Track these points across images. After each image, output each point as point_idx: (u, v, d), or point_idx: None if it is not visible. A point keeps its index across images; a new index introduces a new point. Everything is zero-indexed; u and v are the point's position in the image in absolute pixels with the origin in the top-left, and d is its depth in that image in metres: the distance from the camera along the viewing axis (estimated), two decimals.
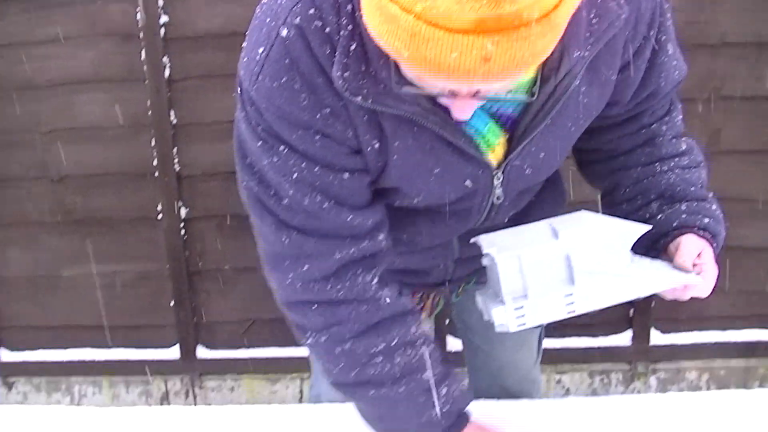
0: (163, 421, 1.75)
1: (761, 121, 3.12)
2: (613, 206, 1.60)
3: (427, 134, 1.26)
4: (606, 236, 1.33)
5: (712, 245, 1.47)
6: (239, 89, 1.29)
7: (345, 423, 1.62)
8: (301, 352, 3.13)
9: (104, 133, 3.09)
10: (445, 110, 1.22)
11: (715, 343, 3.33)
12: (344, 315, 1.34)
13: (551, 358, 3.00)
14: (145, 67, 3.00)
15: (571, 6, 1.02)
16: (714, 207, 1.52)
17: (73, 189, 3.16)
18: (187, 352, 3.32)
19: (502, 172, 1.35)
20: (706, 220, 1.48)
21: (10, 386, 3.42)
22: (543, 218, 1.56)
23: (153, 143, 3.08)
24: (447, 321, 3.18)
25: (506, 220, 1.54)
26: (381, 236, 1.38)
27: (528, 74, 1.22)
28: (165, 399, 3.40)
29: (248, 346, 3.32)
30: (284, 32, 1.20)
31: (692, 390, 3.37)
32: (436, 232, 1.53)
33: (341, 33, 1.19)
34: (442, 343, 3.28)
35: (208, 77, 3.03)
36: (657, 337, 3.33)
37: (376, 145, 1.27)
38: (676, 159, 1.53)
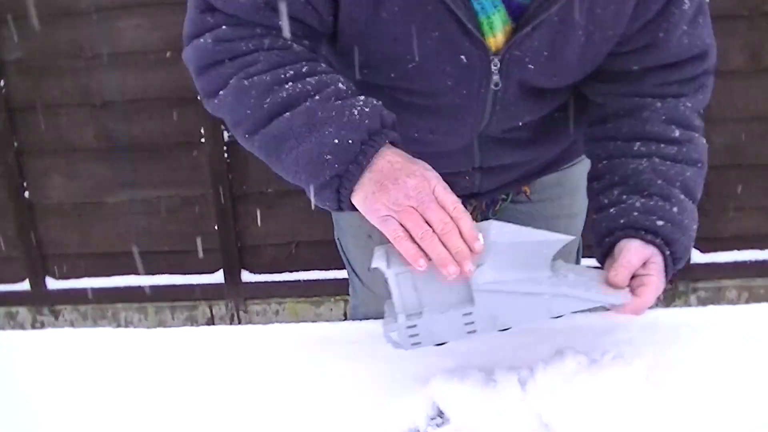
0: (209, 340, 1.77)
1: None
2: (590, 182, 1.52)
3: None
4: (515, 250, 1.23)
5: (663, 254, 1.35)
6: None
7: (373, 340, 1.59)
8: (345, 274, 3.21)
9: (146, 58, 3.13)
10: None
11: (755, 262, 3.38)
12: (254, 58, 1.30)
13: None
14: None
15: None
16: (676, 210, 1.37)
17: (115, 115, 3.20)
18: (232, 277, 3.37)
19: (500, 59, 1.35)
20: (660, 222, 1.35)
21: (56, 315, 3.47)
22: (551, 144, 1.53)
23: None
24: None
25: (520, 124, 1.53)
26: (305, 42, 1.36)
27: None
28: (210, 324, 3.46)
29: (292, 270, 3.37)
30: None
31: None
32: (444, 127, 1.51)
33: None
34: None
35: None
36: (697, 256, 3.38)
37: None
38: (661, 145, 1.42)
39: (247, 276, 3.39)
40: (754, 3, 3.09)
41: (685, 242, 1.38)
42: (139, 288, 3.41)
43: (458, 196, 1.70)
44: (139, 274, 3.42)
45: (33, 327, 3.52)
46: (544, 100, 1.51)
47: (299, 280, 3.37)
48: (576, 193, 1.80)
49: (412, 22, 1.31)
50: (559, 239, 1.26)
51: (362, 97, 1.28)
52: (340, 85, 1.29)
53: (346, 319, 3.36)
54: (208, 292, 3.40)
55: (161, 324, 3.45)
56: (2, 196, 3.37)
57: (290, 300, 3.31)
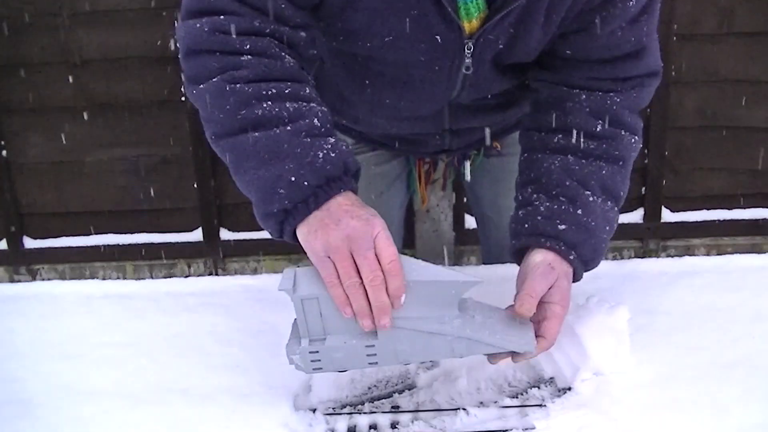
0: (188, 289, 1.81)
1: None
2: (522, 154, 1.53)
3: None
4: (423, 289, 1.22)
5: (568, 258, 1.35)
6: None
7: None
8: None
9: (126, 16, 3.13)
10: None
11: (723, 221, 3.48)
12: (243, 62, 1.27)
13: None
14: None
15: None
16: (581, 212, 1.37)
17: (95, 74, 3.20)
18: (210, 235, 3.40)
19: (474, 43, 1.38)
20: (562, 227, 1.35)
21: (34, 274, 3.48)
22: (517, 109, 1.59)
23: (176, 25, 3.09)
24: (465, 199, 3.28)
25: (489, 96, 1.58)
26: (303, 34, 1.37)
27: None
28: None
29: None
30: None
31: None
32: (414, 96, 1.53)
33: None
34: (460, 220, 3.39)
35: None
36: (667, 215, 3.47)
37: None
38: (582, 140, 1.41)
39: (225, 234, 3.42)
40: None
41: (591, 243, 1.37)
42: (118, 246, 3.42)
43: (430, 153, 1.79)
44: (117, 232, 3.43)
45: None
46: (511, 73, 1.55)
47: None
48: None
49: (390, 1, 1.33)
50: (468, 281, 1.24)
51: (332, 140, 1.27)
52: (316, 120, 1.26)
53: None
54: (186, 250, 3.43)
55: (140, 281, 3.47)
56: None
57: (268, 257, 3.35)
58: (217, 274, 3.44)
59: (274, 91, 1.27)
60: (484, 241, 2.21)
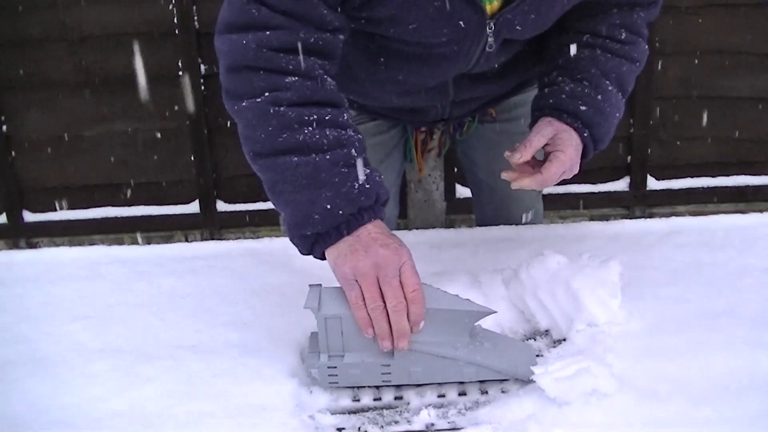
0: (192, 253, 1.86)
1: None
2: (538, 63, 1.66)
3: None
4: (439, 315, 1.30)
5: (582, 135, 1.50)
6: None
7: None
8: None
9: None
10: None
11: (707, 188, 3.55)
12: (288, 84, 1.32)
13: (553, 203, 3.18)
14: None
15: None
16: (600, 98, 1.51)
17: (93, 49, 3.24)
18: (207, 207, 3.45)
19: (495, 23, 1.43)
20: (583, 108, 1.50)
21: (33, 247, 3.51)
22: (516, 76, 1.65)
23: (173, 1, 3.16)
24: (455, 169, 3.33)
25: (495, 66, 1.63)
26: (341, 37, 1.39)
27: None
28: None
29: (266, 199, 3.44)
30: None
31: None
32: (429, 72, 1.57)
33: None
34: (451, 191, 3.44)
35: None
36: (653, 183, 3.54)
37: None
38: (607, 40, 1.55)
39: (222, 206, 3.47)
40: None
41: (605, 126, 1.53)
42: (115, 219, 3.47)
43: (429, 122, 1.85)
44: (115, 206, 3.47)
45: None
46: (518, 44, 1.63)
47: (272, 209, 3.44)
48: None
49: None
50: (482, 312, 1.33)
51: (368, 171, 1.32)
52: (353, 150, 1.32)
53: None
54: (184, 222, 3.48)
55: None
56: None
57: (264, 228, 3.40)
58: None
59: (315, 117, 1.33)
60: (479, 206, 2.27)
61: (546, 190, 2.15)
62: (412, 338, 1.29)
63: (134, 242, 3.52)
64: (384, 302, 1.28)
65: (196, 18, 3.15)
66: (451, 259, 1.75)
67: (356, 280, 1.29)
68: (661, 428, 1.24)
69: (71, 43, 3.20)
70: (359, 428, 1.30)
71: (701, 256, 1.73)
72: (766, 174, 3.54)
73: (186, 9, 3.12)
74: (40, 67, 3.24)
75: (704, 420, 1.25)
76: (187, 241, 3.53)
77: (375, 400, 1.37)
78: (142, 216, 3.46)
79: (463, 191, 3.42)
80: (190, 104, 3.27)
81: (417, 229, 1.95)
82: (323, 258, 1.36)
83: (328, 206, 1.30)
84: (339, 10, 1.39)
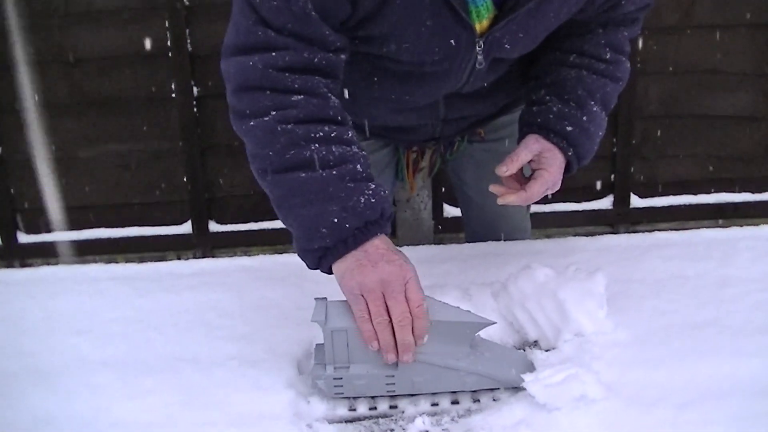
0: (189, 270, 1.90)
1: None
2: (528, 81, 1.70)
3: None
4: (441, 327, 1.34)
5: (567, 153, 1.57)
6: None
7: None
8: None
9: (119, 16, 3.21)
10: None
11: (688, 206, 3.61)
12: (294, 102, 1.36)
13: (539, 221, 3.22)
14: None
15: None
16: (586, 118, 1.57)
17: (88, 71, 3.27)
18: (200, 227, 3.48)
19: (484, 41, 1.46)
20: (569, 128, 1.56)
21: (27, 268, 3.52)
22: (505, 96, 1.70)
23: (167, 24, 3.20)
24: (443, 189, 3.38)
25: (485, 85, 1.65)
26: (343, 56, 1.43)
27: None
28: None
29: (257, 220, 3.49)
30: None
31: None
32: (421, 91, 1.61)
33: None
34: (438, 209, 3.48)
35: None
36: (636, 201, 3.60)
37: None
38: (593, 60, 1.61)
39: (214, 226, 3.49)
40: None
41: (588, 144, 1.60)
42: (109, 240, 3.49)
43: (420, 141, 1.89)
44: (109, 226, 3.49)
45: None
46: (507, 63, 1.67)
47: (264, 229, 3.49)
48: None
49: (412, 11, 1.42)
50: (482, 323, 1.37)
51: (372, 186, 1.36)
52: (359, 166, 1.37)
53: None
54: (176, 242, 3.49)
55: None
56: None
57: (255, 248, 3.43)
58: None
59: (321, 134, 1.38)
60: (468, 223, 2.31)
61: (532, 209, 2.20)
62: (416, 349, 1.33)
63: (128, 262, 3.52)
64: (389, 316, 1.32)
65: (189, 41, 3.19)
66: (441, 274, 1.79)
67: (362, 295, 1.33)
68: None
69: (66, 64, 3.23)
70: None
71: (684, 268, 1.78)
72: (745, 191, 3.59)
73: (179, 32, 3.17)
74: (36, 88, 3.27)
75: (689, 424, 1.30)
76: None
77: (371, 409, 1.40)
78: (136, 236, 3.48)
79: (451, 210, 3.47)
80: (183, 125, 3.30)
81: (406, 246, 1.99)
82: (330, 272, 1.40)
83: (335, 220, 1.34)
84: (344, 33, 1.44)
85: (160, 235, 3.49)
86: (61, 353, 1.57)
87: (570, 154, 1.57)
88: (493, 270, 1.77)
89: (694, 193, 3.59)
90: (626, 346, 1.50)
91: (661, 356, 1.47)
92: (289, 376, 1.47)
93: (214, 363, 1.52)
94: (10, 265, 3.41)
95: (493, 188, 1.61)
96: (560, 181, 1.61)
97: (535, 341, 1.56)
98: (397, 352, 1.33)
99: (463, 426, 1.35)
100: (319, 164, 1.36)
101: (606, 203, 3.59)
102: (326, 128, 1.39)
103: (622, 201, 3.57)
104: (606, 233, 3.60)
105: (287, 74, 1.38)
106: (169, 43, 3.20)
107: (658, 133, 3.52)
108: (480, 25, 1.48)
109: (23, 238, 3.48)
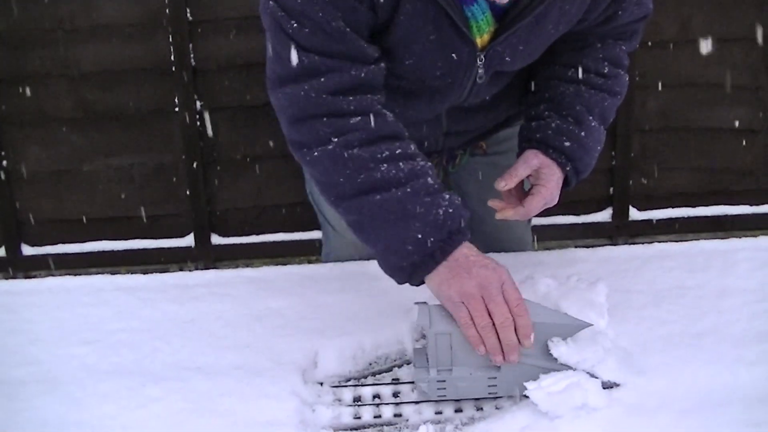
0: (193, 281, 1.91)
1: (727, 11, 3.39)
2: (526, 95, 1.73)
3: (434, 5, 1.39)
4: (541, 330, 1.37)
5: (565, 168, 1.59)
6: None
7: (355, 278, 1.81)
8: (308, 235, 3.37)
9: (124, 31, 3.23)
10: None
11: (687, 218, 3.63)
12: (353, 124, 1.38)
13: (538, 233, 3.23)
14: None
15: None
16: (584, 134, 1.59)
17: (93, 86, 3.29)
18: (202, 240, 3.49)
19: (485, 55, 1.49)
20: (567, 143, 1.58)
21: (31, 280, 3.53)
22: (506, 109, 1.73)
23: (170, 40, 3.23)
24: None
25: (487, 98, 1.68)
26: (383, 65, 1.45)
27: None
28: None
29: (259, 232, 3.52)
30: None
31: None
32: (424, 105, 1.63)
33: None
34: None
35: None
36: (635, 214, 3.62)
37: (388, 1, 1.41)
38: (591, 75, 1.62)
39: (216, 239, 3.51)
40: None
41: (586, 159, 1.61)
42: (112, 252, 3.51)
43: (423, 155, 1.88)
44: (112, 239, 3.51)
45: None
46: (508, 76, 1.70)
47: (266, 242, 3.51)
48: None
49: (416, 26, 1.45)
50: (581, 324, 1.42)
51: (447, 196, 1.39)
52: (429, 179, 1.40)
53: None
54: (179, 255, 3.50)
55: None
56: None
57: (257, 261, 3.44)
58: None
59: (387, 153, 1.41)
60: (472, 236, 2.32)
61: (532, 221, 2.22)
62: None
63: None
64: (491, 319, 1.35)
65: (192, 55, 3.22)
66: None
67: (462, 302, 1.36)
68: None
69: (71, 79, 3.25)
70: None
71: (684, 278, 1.80)
72: (743, 203, 3.61)
73: (182, 47, 3.19)
74: (41, 102, 3.28)
75: (690, 431, 1.32)
76: None
77: (375, 417, 1.42)
78: (138, 249, 3.50)
79: None
80: (186, 139, 3.32)
81: None
82: (421, 284, 1.43)
83: (419, 236, 1.38)
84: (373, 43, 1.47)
85: (163, 248, 3.51)
86: (68, 362, 1.59)
87: (568, 169, 1.60)
88: None
89: (693, 206, 3.61)
90: (627, 355, 1.52)
91: (662, 364, 1.49)
92: (293, 384, 1.49)
93: (219, 372, 1.54)
94: (14, 278, 3.43)
95: (492, 203, 1.64)
96: (558, 196, 1.63)
97: None
98: (504, 353, 1.36)
99: None
100: (392, 183, 1.39)
101: (605, 216, 3.61)
102: (390, 146, 1.42)
103: (621, 213, 3.59)
104: (605, 245, 3.61)
105: (341, 97, 1.41)
106: (172, 57, 3.22)
107: (657, 146, 3.55)
108: (481, 39, 1.50)
109: (27, 250, 3.50)
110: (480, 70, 1.54)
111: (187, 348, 1.62)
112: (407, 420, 1.41)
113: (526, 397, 1.37)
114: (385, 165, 1.38)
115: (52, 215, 3.48)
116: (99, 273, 3.28)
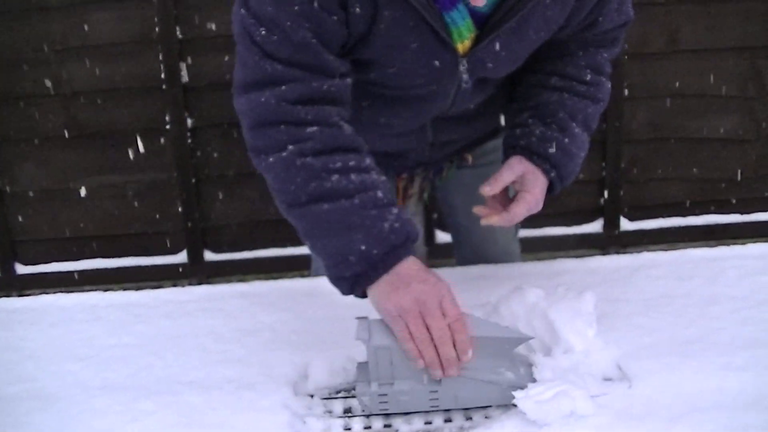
0: (185, 296, 1.93)
1: (715, 21, 3.43)
2: (510, 102, 1.74)
3: (413, 13, 1.39)
4: (482, 343, 1.37)
5: (549, 175, 1.60)
6: None
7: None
8: (301, 251, 3.38)
9: (115, 49, 3.27)
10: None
11: (678, 228, 3.65)
12: (309, 134, 1.39)
13: (529, 245, 3.25)
14: None
15: None
16: (568, 140, 1.60)
17: (84, 104, 3.32)
18: (195, 256, 3.51)
19: (467, 61, 1.50)
20: (552, 150, 1.59)
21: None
22: (491, 119, 1.74)
23: (161, 57, 3.26)
24: (435, 215, 3.42)
25: (471, 107, 1.68)
26: (348, 81, 1.46)
27: None
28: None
29: (251, 248, 3.53)
30: None
31: None
32: (409, 114, 1.65)
33: None
34: (430, 236, 3.52)
35: None
36: (626, 224, 3.64)
37: (359, 11, 1.41)
38: (574, 82, 1.63)
39: (209, 255, 3.53)
40: None
41: (570, 165, 1.63)
42: (106, 270, 3.52)
43: (409, 166, 1.92)
44: (106, 257, 3.52)
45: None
46: (492, 83, 1.71)
47: (259, 258, 3.52)
48: None
49: (397, 35, 1.46)
50: (521, 338, 1.41)
51: (395, 210, 1.40)
52: (379, 193, 1.40)
53: None
54: (172, 272, 3.52)
55: None
56: None
57: (251, 276, 3.45)
58: None
59: (339, 164, 1.42)
60: (458, 248, 2.34)
61: (522, 233, 2.24)
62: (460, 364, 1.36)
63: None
64: (430, 333, 1.35)
65: (182, 73, 3.25)
66: None
67: (400, 316, 1.36)
68: None
69: (63, 97, 3.27)
70: None
71: (672, 287, 1.81)
72: (734, 212, 3.63)
73: (173, 64, 3.22)
74: (33, 121, 3.31)
75: None
76: None
77: (365, 428, 1.43)
78: (132, 266, 3.51)
79: (442, 237, 3.50)
80: (178, 156, 3.35)
81: None
82: (365, 296, 1.44)
83: (363, 248, 1.38)
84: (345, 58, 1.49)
85: (156, 265, 3.52)
86: (62, 378, 1.60)
87: (552, 175, 1.61)
88: (485, 292, 1.79)
89: (684, 215, 3.63)
90: (615, 363, 1.53)
91: (650, 372, 1.49)
92: (285, 397, 1.50)
93: (212, 386, 1.54)
94: (8, 296, 3.42)
95: (477, 209, 1.66)
96: (542, 202, 1.64)
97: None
98: (443, 367, 1.37)
99: None
100: (340, 194, 1.39)
101: (596, 226, 3.63)
102: (344, 158, 1.43)
103: (611, 224, 3.61)
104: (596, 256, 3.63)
105: (299, 106, 1.42)
106: (163, 75, 3.25)
107: (647, 157, 3.57)
108: (462, 45, 1.52)
109: (21, 269, 3.50)
110: (464, 76, 1.56)
111: (179, 362, 1.63)
112: (397, 430, 1.42)
113: (515, 406, 1.37)
114: (336, 176, 1.39)
115: (46, 234, 3.50)
116: (93, 291, 3.34)
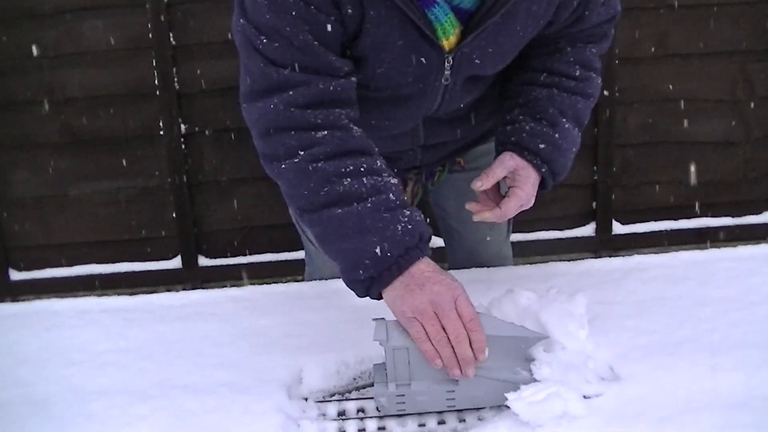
0: (179, 301, 1.94)
1: (705, 25, 3.45)
2: (501, 99, 1.75)
3: (397, 11, 1.41)
4: (498, 342, 1.38)
5: (541, 170, 1.61)
6: None
7: (338, 295, 1.82)
8: (295, 255, 3.39)
9: (108, 56, 3.27)
10: None
11: (671, 231, 3.66)
12: (319, 138, 1.41)
13: (522, 249, 3.26)
14: None
15: None
16: (558, 136, 1.61)
17: (78, 111, 3.33)
18: (189, 262, 3.51)
19: (453, 57, 1.50)
20: (542, 145, 1.60)
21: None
22: (483, 120, 1.75)
23: (154, 64, 3.27)
24: (427, 220, 3.42)
25: (462, 106, 1.70)
26: (353, 79, 1.48)
27: None
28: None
29: (246, 253, 3.53)
30: None
31: None
32: (399, 114, 1.66)
33: None
34: None
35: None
36: (618, 228, 3.65)
37: (351, 11, 1.44)
38: (563, 78, 1.65)
39: (203, 260, 3.53)
40: None
41: (562, 161, 1.64)
42: (100, 276, 3.52)
43: (403, 169, 1.92)
44: (100, 262, 3.52)
45: None
46: (482, 82, 1.73)
47: (253, 263, 3.53)
48: None
49: (383, 33, 1.48)
50: (537, 337, 1.43)
51: (408, 212, 1.41)
52: (391, 195, 1.41)
53: None
54: (166, 277, 3.52)
55: None
56: None
57: (244, 282, 3.46)
58: None
59: (351, 168, 1.43)
60: (451, 252, 2.35)
61: (515, 237, 2.24)
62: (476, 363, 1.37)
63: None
64: (446, 333, 1.37)
65: (176, 79, 3.25)
66: None
67: (415, 317, 1.38)
68: None
69: (56, 104, 3.28)
70: None
71: (664, 289, 1.83)
72: (725, 215, 3.65)
73: (166, 70, 3.23)
74: (26, 128, 3.31)
75: None
76: None
77: (360, 431, 1.44)
78: (126, 272, 3.51)
79: (435, 241, 3.48)
80: (171, 162, 3.35)
81: None
82: (380, 298, 1.45)
83: (377, 251, 1.40)
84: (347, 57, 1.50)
85: (150, 271, 3.52)
86: (56, 383, 1.60)
87: (544, 170, 1.62)
88: (477, 295, 1.77)
89: (675, 219, 3.64)
90: (607, 364, 1.55)
91: (641, 373, 1.50)
92: (278, 400, 1.50)
93: (206, 390, 1.55)
94: (2, 302, 3.42)
95: (469, 206, 1.67)
96: (534, 198, 1.66)
97: None
98: (460, 367, 1.38)
99: None
100: (353, 198, 1.41)
101: (588, 230, 3.64)
102: (355, 161, 1.44)
103: (604, 228, 3.62)
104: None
105: (309, 111, 1.43)
106: (156, 81, 3.25)
107: (638, 161, 3.59)
108: (447, 41, 1.53)
109: (15, 275, 3.50)
110: (446, 72, 1.57)
111: (173, 367, 1.64)
112: None
113: (508, 407, 1.38)
114: (348, 179, 1.40)
115: (40, 240, 3.50)
116: (87, 296, 3.35)
